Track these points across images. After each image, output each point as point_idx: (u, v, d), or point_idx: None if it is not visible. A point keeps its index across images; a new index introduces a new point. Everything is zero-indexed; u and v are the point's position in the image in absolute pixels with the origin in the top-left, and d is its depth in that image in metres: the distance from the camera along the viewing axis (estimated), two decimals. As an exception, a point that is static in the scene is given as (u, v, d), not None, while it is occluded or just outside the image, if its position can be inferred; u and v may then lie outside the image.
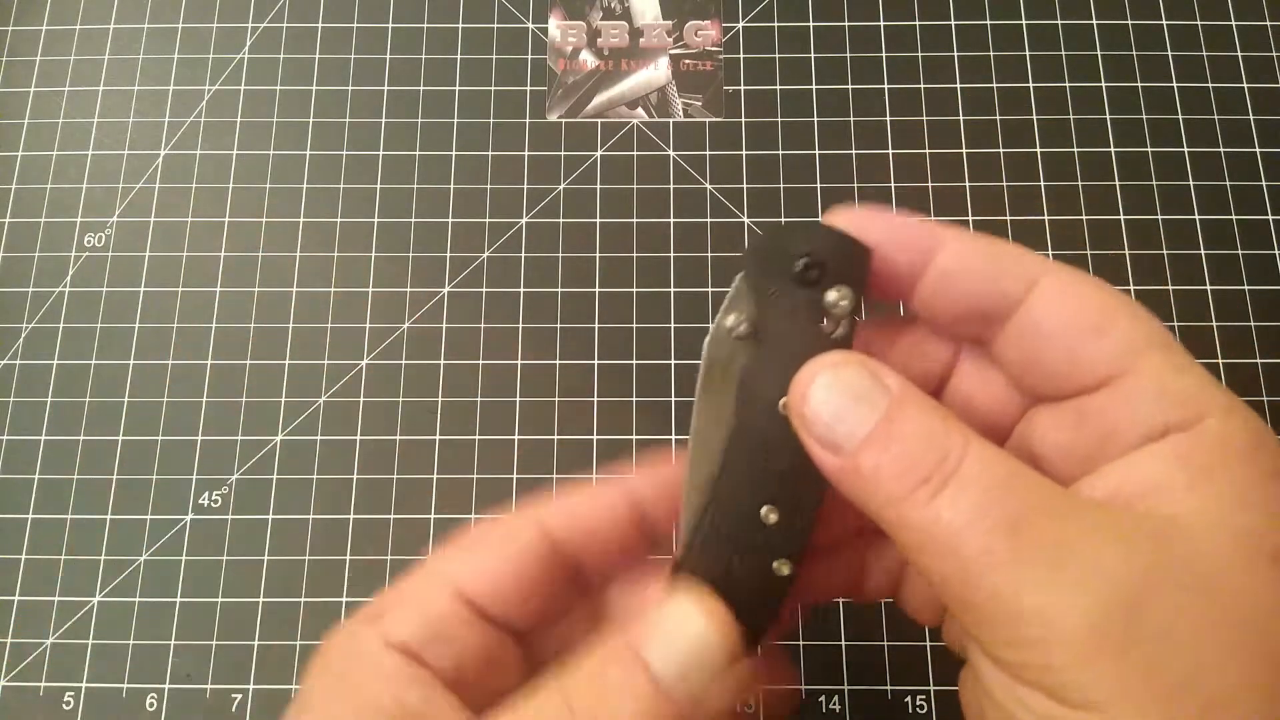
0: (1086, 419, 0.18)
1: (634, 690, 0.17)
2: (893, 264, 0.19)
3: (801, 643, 0.31)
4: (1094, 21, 0.38)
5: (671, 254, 0.35)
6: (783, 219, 0.36)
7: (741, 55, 0.38)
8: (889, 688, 0.31)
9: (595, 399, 0.34)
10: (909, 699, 0.31)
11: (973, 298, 0.18)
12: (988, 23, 0.38)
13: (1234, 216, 0.35)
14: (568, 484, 0.21)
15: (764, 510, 0.19)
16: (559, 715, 0.17)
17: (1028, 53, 0.38)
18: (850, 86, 0.37)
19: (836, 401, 0.17)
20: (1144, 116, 0.37)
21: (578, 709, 0.17)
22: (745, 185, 0.36)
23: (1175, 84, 0.37)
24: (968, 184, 0.36)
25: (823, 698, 0.31)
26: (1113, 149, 0.36)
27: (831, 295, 0.18)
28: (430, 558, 0.19)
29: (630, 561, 0.21)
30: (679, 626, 0.17)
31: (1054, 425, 0.19)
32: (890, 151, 0.36)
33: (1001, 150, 0.36)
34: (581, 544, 0.20)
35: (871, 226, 0.19)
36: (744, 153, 0.37)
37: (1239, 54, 0.37)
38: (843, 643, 0.31)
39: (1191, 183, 0.36)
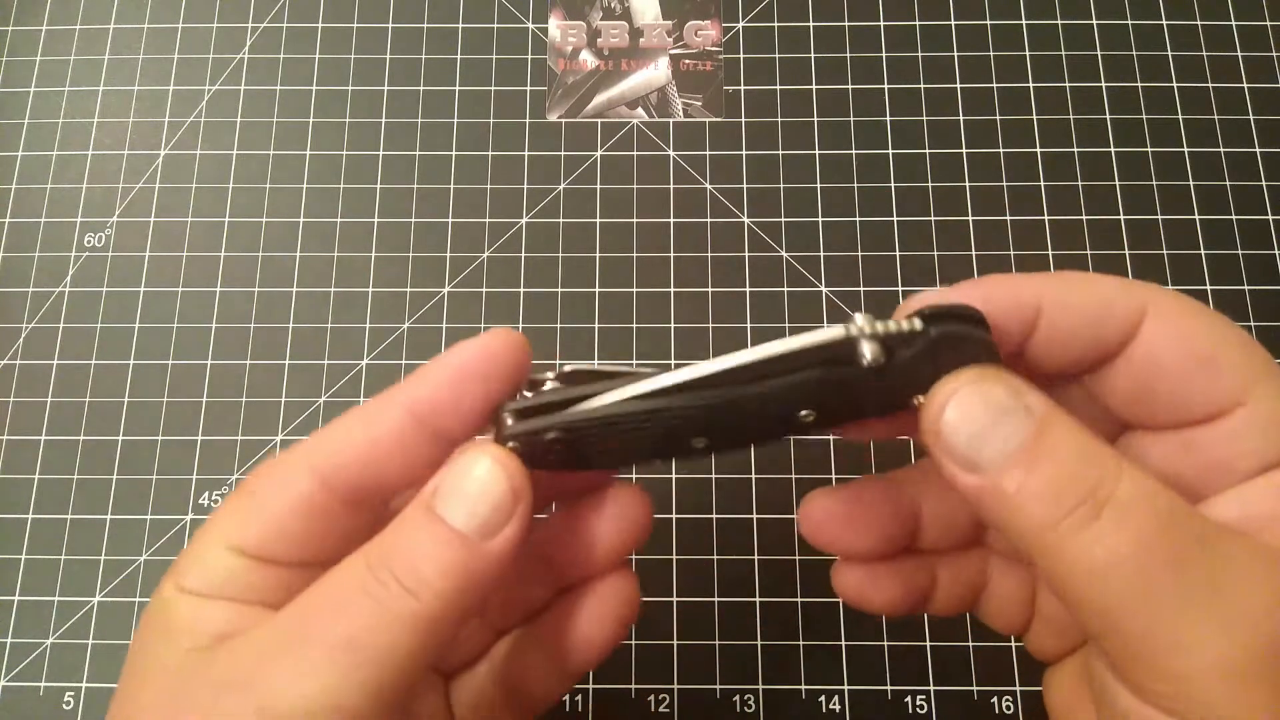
0: (1195, 449, 0.18)
1: (426, 533, 0.17)
2: (1001, 328, 0.18)
3: (802, 643, 0.31)
4: (1094, 22, 0.38)
5: (671, 254, 0.35)
6: (782, 219, 0.36)
7: (741, 55, 0.38)
8: (889, 688, 0.31)
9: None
10: (909, 699, 0.31)
11: (1083, 343, 0.18)
12: (987, 23, 0.38)
13: (1234, 216, 0.35)
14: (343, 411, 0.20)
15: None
16: (356, 573, 0.17)
17: (1028, 53, 0.38)
18: (850, 86, 0.37)
19: (978, 418, 0.17)
20: (1144, 117, 0.37)
21: (374, 562, 0.17)
22: (745, 185, 0.36)
23: (1175, 84, 0.37)
24: (967, 184, 0.36)
25: (823, 697, 0.31)
26: (1112, 149, 0.36)
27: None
28: (217, 509, 0.20)
29: (441, 455, 0.20)
30: (463, 471, 0.18)
31: (1157, 453, 0.18)
32: (890, 151, 0.36)
33: (1001, 150, 0.36)
34: (365, 473, 0.19)
35: (972, 295, 0.18)
36: (744, 152, 0.37)
37: (1239, 54, 0.37)
38: (843, 643, 0.31)
39: (1191, 183, 0.36)
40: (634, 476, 0.33)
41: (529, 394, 0.19)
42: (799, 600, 0.31)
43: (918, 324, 0.17)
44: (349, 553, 0.19)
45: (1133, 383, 0.18)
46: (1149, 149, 0.36)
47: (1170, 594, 0.15)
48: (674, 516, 0.32)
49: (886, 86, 0.37)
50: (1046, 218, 0.35)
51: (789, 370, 0.17)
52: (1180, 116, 0.37)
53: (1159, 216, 0.35)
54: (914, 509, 0.22)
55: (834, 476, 0.33)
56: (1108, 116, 0.37)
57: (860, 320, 0.17)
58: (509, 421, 0.19)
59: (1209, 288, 0.35)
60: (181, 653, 0.18)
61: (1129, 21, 0.38)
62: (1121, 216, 0.36)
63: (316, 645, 0.17)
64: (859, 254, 0.35)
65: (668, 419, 0.18)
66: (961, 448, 0.17)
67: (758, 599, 0.32)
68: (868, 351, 0.17)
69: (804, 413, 0.18)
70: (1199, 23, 0.38)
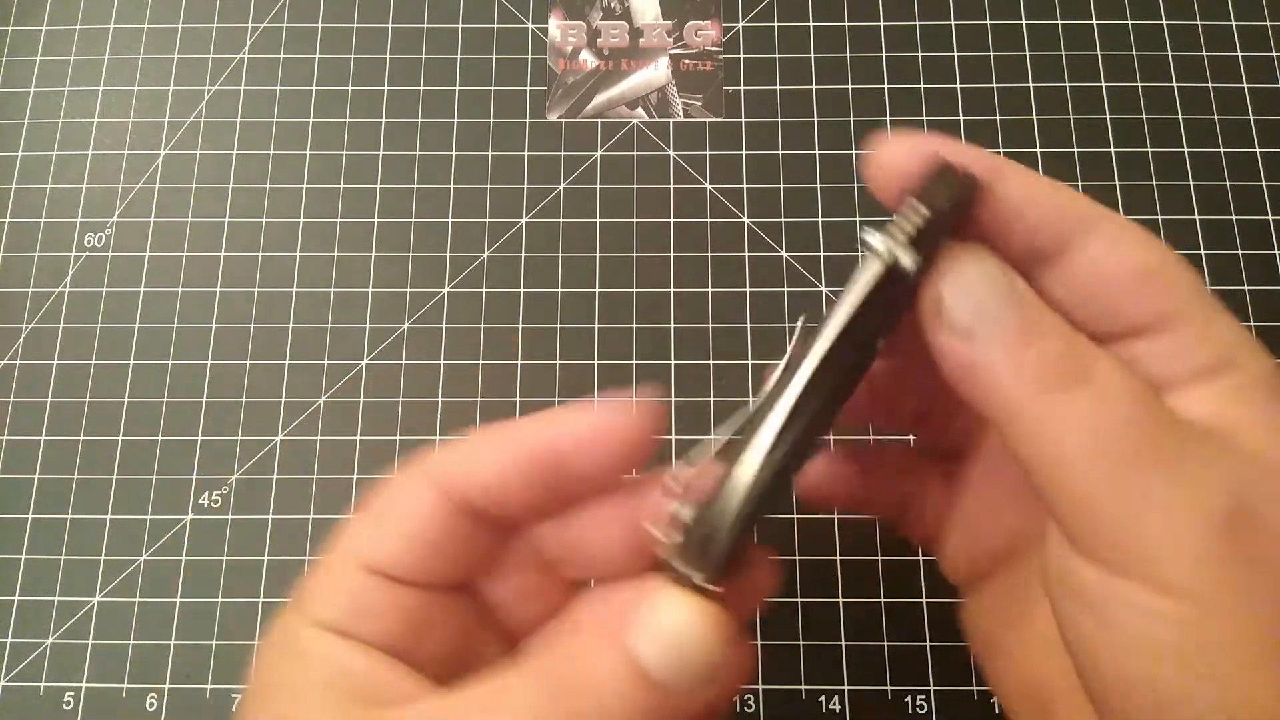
0: (1137, 364, 0.18)
1: (626, 686, 0.16)
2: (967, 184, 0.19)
3: (802, 643, 0.31)
4: (1094, 22, 0.38)
5: (671, 254, 0.35)
6: (783, 219, 0.36)
7: (741, 55, 0.38)
8: (889, 688, 0.31)
9: (595, 399, 0.34)
10: (909, 699, 0.31)
11: (1029, 232, 0.19)
12: (987, 23, 0.38)
13: (1234, 217, 0.35)
14: (475, 430, 0.20)
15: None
16: (539, 698, 0.16)
17: (1027, 53, 0.38)
18: (850, 86, 0.37)
19: (979, 292, 0.18)
20: (1144, 117, 0.37)
21: (558, 689, 0.16)
22: (745, 185, 0.36)
23: (1175, 84, 0.37)
24: (1129, 220, 0.36)
25: (823, 697, 0.31)
26: (1112, 149, 0.36)
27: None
28: (338, 534, 0.19)
29: (549, 505, 0.20)
30: (683, 626, 0.17)
31: None
32: (890, 151, 0.36)
33: (1001, 150, 0.36)
34: (486, 498, 0.19)
35: (933, 150, 0.19)
36: (744, 153, 0.37)
37: (1239, 54, 0.37)
38: (843, 642, 0.31)
39: (1191, 183, 0.36)
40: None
41: (686, 513, 0.18)
42: (799, 600, 0.31)
43: (923, 209, 0.18)
44: (462, 579, 0.19)
45: (1073, 290, 0.19)
46: (1149, 149, 0.36)
47: (1143, 463, 0.16)
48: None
49: (887, 87, 0.37)
50: (1046, 218, 0.35)
51: (862, 330, 0.18)
52: (1180, 116, 0.37)
53: (1159, 216, 0.35)
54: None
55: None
56: (1108, 116, 0.37)
57: (879, 241, 0.18)
58: (700, 579, 0.17)
59: (1209, 288, 0.35)
60: (331, 708, 0.17)
61: (1129, 22, 0.38)
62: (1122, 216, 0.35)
63: None
64: (860, 254, 0.35)
65: (806, 442, 0.18)
66: (962, 318, 0.18)
67: (758, 599, 0.32)
68: (909, 261, 0.18)
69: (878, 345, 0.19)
70: (1199, 23, 0.38)
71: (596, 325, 0.35)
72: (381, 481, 0.20)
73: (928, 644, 0.31)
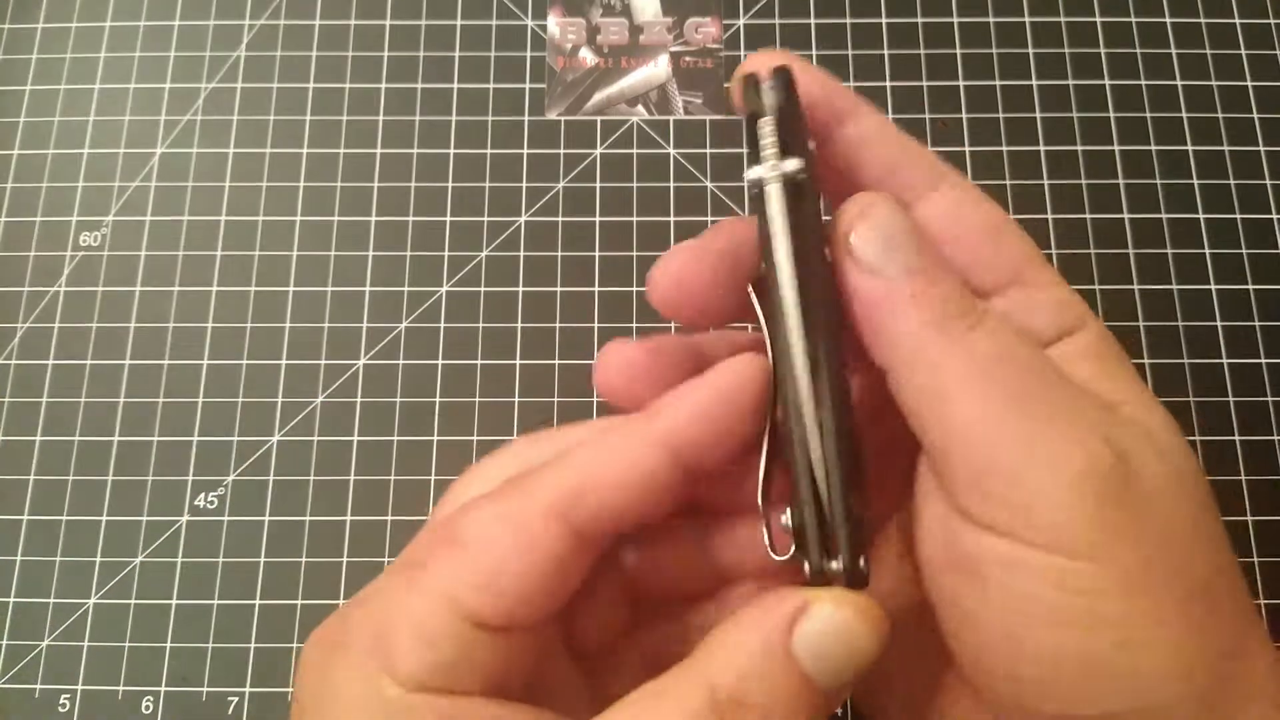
0: None
1: (793, 692, 0.16)
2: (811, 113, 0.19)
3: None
4: (1097, 19, 0.38)
5: (671, 253, 0.35)
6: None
7: (742, 52, 0.38)
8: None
9: (595, 399, 0.33)
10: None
11: (879, 176, 0.19)
12: (990, 20, 0.38)
13: (1238, 215, 0.35)
14: (577, 427, 0.18)
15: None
16: (701, 709, 0.16)
17: (1030, 50, 0.37)
18: (852, 84, 0.37)
19: (888, 230, 0.18)
20: (1148, 115, 0.36)
21: (723, 701, 0.16)
22: (746, 183, 0.36)
23: (1179, 81, 0.37)
24: (970, 182, 0.36)
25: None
26: (1116, 147, 0.36)
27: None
28: (425, 562, 0.17)
29: (663, 521, 0.18)
30: (844, 630, 0.16)
31: None
32: (892, 149, 0.36)
33: (1005, 148, 0.36)
34: (613, 520, 0.17)
35: (797, 73, 0.19)
36: (744, 150, 0.36)
37: (1242, 52, 0.37)
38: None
39: (1195, 181, 0.36)
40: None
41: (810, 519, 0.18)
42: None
43: (768, 120, 0.19)
44: (561, 606, 0.17)
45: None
46: (1153, 147, 0.36)
47: (1033, 404, 0.16)
48: (674, 518, 0.32)
49: (889, 84, 0.37)
50: (1050, 216, 0.35)
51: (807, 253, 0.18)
52: (1184, 115, 0.36)
53: (1163, 215, 0.35)
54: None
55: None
56: (1111, 114, 0.37)
57: (762, 170, 0.19)
58: (863, 569, 0.17)
59: (1213, 287, 0.34)
60: None
61: (1132, 19, 0.38)
62: (1126, 215, 0.35)
63: None
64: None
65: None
66: (872, 255, 0.18)
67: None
68: (794, 165, 0.19)
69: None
70: (1202, 20, 0.38)
71: (596, 325, 0.34)
72: (479, 507, 0.17)
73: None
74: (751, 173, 0.19)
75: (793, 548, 0.18)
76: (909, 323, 0.17)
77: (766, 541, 0.19)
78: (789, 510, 0.18)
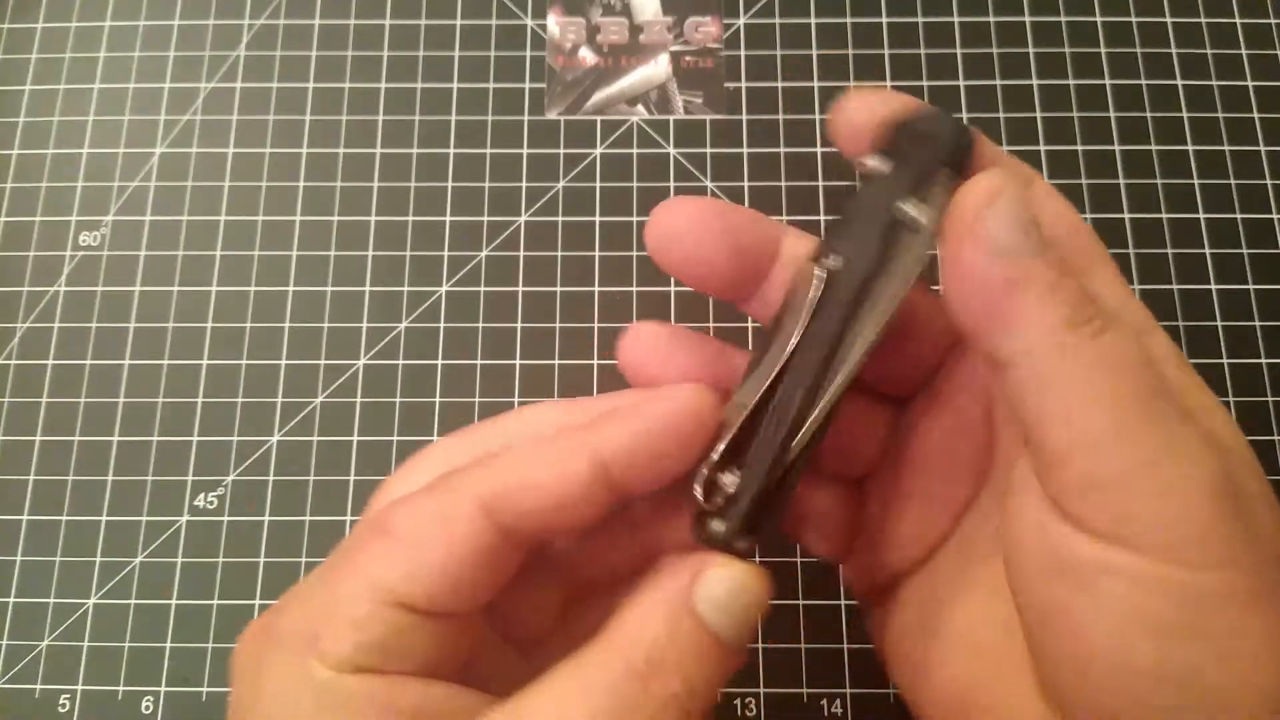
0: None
1: (700, 647, 0.17)
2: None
3: (804, 645, 0.31)
4: (1098, 19, 0.38)
5: (671, 253, 0.35)
6: (784, 217, 0.35)
7: (743, 52, 0.38)
8: (891, 691, 0.30)
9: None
10: (911, 702, 0.30)
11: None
12: (990, 19, 0.38)
13: (1239, 215, 0.35)
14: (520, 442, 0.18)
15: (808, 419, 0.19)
16: (622, 679, 0.16)
17: (1031, 50, 0.37)
18: (852, 84, 0.37)
19: (1025, 219, 0.17)
20: (1148, 114, 0.36)
21: (644, 670, 0.17)
22: (746, 183, 0.36)
23: (1180, 81, 0.37)
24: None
25: (824, 700, 0.30)
26: (1117, 147, 0.36)
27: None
28: (354, 553, 0.17)
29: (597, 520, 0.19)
30: (738, 586, 0.18)
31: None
32: (892, 149, 0.36)
33: (1005, 148, 0.36)
34: (537, 522, 0.18)
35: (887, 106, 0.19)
36: (745, 150, 0.36)
37: (1243, 51, 0.37)
38: (845, 645, 0.31)
39: (1196, 181, 0.36)
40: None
41: (729, 487, 0.19)
42: (800, 603, 0.31)
43: (940, 171, 0.18)
44: (490, 601, 0.18)
45: None
46: (1153, 147, 0.36)
47: (1154, 419, 0.16)
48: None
49: (889, 83, 0.37)
50: (1050, 216, 0.35)
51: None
52: (1185, 114, 0.36)
53: (1163, 215, 0.35)
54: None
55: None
56: (1111, 114, 0.36)
57: (923, 214, 0.18)
58: (743, 545, 0.18)
59: (1214, 287, 0.34)
60: None
61: (1133, 19, 0.38)
62: (1126, 215, 0.35)
63: None
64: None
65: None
66: (1008, 238, 0.17)
67: (758, 601, 0.31)
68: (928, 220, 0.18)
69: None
70: (1203, 20, 0.38)
71: (596, 325, 0.34)
72: (409, 501, 0.18)
73: (930, 647, 0.31)
74: (911, 210, 0.18)
75: (712, 523, 0.19)
76: (1044, 315, 0.16)
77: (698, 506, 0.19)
78: (707, 479, 0.19)
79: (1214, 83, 0.37)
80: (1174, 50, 0.37)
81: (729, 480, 0.19)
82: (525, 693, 0.17)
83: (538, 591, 0.21)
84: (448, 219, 0.36)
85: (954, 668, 0.20)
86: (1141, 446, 0.16)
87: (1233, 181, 0.36)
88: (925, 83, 0.37)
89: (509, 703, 0.17)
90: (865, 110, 0.19)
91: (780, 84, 0.37)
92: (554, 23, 0.39)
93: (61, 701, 0.31)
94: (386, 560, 0.17)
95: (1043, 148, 0.36)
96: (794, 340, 0.19)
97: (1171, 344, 0.18)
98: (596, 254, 0.35)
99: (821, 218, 0.35)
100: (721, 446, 0.19)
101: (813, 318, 0.19)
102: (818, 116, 0.37)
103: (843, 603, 0.31)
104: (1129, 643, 0.15)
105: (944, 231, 0.18)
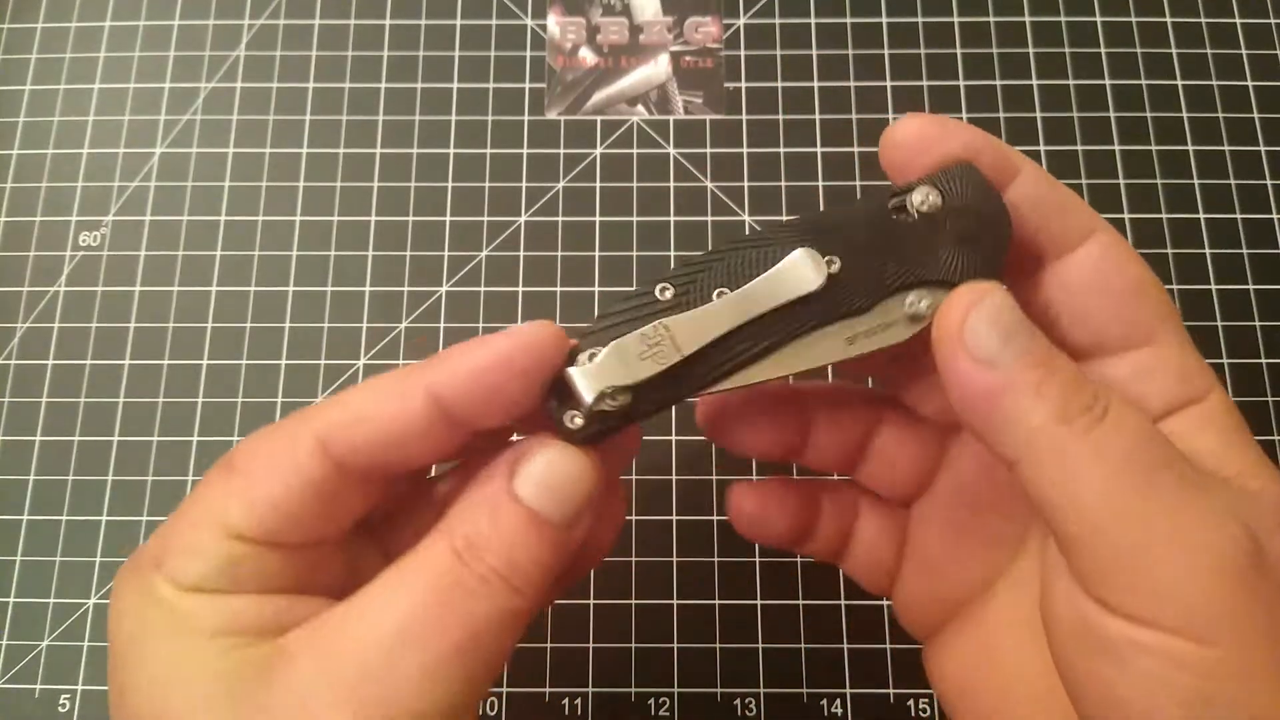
0: (1109, 381, 0.18)
1: (519, 524, 0.18)
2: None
3: (804, 645, 0.31)
4: (1098, 19, 0.38)
5: (672, 252, 0.35)
6: (784, 217, 0.35)
7: (742, 51, 0.38)
8: (891, 691, 0.30)
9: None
10: (911, 702, 0.30)
11: (1032, 235, 0.19)
12: (990, 19, 0.38)
13: (1239, 215, 0.35)
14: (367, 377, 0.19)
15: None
16: (446, 564, 0.17)
17: (1030, 50, 0.37)
18: (852, 83, 0.37)
19: (1003, 320, 0.17)
20: (1148, 114, 0.36)
21: (465, 553, 0.17)
22: (746, 183, 0.36)
23: (1180, 81, 0.37)
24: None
25: (824, 700, 0.30)
26: (1117, 147, 0.36)
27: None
28: (201, 487, 0.18)
29: (447, 450, 0.19)
30: (555, 463, 0.18)
31: None
32: (892, 149, 0.36)
33: (1005, 148, 0.36)
34: (382, 458, 0.18)
35: (953, 137, 0.19)
36: (745, 150, 0.36)
37: (1243, 51, 0.37)
38: (845, 645, 0.31)
39: (1196, 181, 0.36)
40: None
41: (581, 376, 0.19)
42: (800, 603, 0.31)
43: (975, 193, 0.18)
44: (347, 528, 0.19)
45: (1064, 294, 0.19)
46: (1153, 147, 0.36)
47: (1160, 497, 0.16)
48: (674, 518, 0.32)
49: (889, 84, 0.37)
50: (1050, 216, 0.35)
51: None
52: (1185, 114, 0.36)
53: (1163, 215, 0.35)
54: (807, 423, 0.23)
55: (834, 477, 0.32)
56: (1111, 114, 0.36)
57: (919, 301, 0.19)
58: (579, 423, 0.19)
59: (1214, 287, 0.34)
60: (223, 660, 0.17)
61: (1133, 19, 0.38)
62: (1126, 215, 0.35)
63: (443, 649, 0.16)
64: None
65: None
66: (988, 345, 0.17)
67: (759, 601, 0.31)
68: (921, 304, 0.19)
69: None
70: (1203, 20, 0.38)
71: (596, 325, 0.34)
72: (253, 438, 0.18)
73: (930, 647, 0.31)
74: (920, 304, 0.19)
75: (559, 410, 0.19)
76: (1035, 417, 0.17)
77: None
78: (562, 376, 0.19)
79: (1214, 83, 0.37)
80: (1174, 50, 0.37)
81: (584, 370, 0.19)
82: (362, 590, 0.17)
83: (421, 517, 0.21)
84: (448, 219, 0.36)
85: (1007, 704, 0.20)
86: (1146, 531, 0.16)
87: (1233, 181, 0.36)
88: (925, 82, 0.37)
89: (347, 600, 0.17)
90: (920, 146, 0.19)
91: (780, 84, 0.37)
92: (554, 23, 0.39)
93: (61, 701, 0.31)
94: (224, 493, 0.18)
95: (1043, 148, 0.36)
96: (743, 304, 0.19)
97: (1226, 400, 0.18)
98: (596, 254, 0.35)
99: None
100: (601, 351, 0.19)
101: (787, 305, 0.19)
102: (817, 116, 0.37)
103: (843, 603, 0.31)
104: (1160, 710, 0.16)
105: (934, 336, 0.18)
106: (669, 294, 0.19)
